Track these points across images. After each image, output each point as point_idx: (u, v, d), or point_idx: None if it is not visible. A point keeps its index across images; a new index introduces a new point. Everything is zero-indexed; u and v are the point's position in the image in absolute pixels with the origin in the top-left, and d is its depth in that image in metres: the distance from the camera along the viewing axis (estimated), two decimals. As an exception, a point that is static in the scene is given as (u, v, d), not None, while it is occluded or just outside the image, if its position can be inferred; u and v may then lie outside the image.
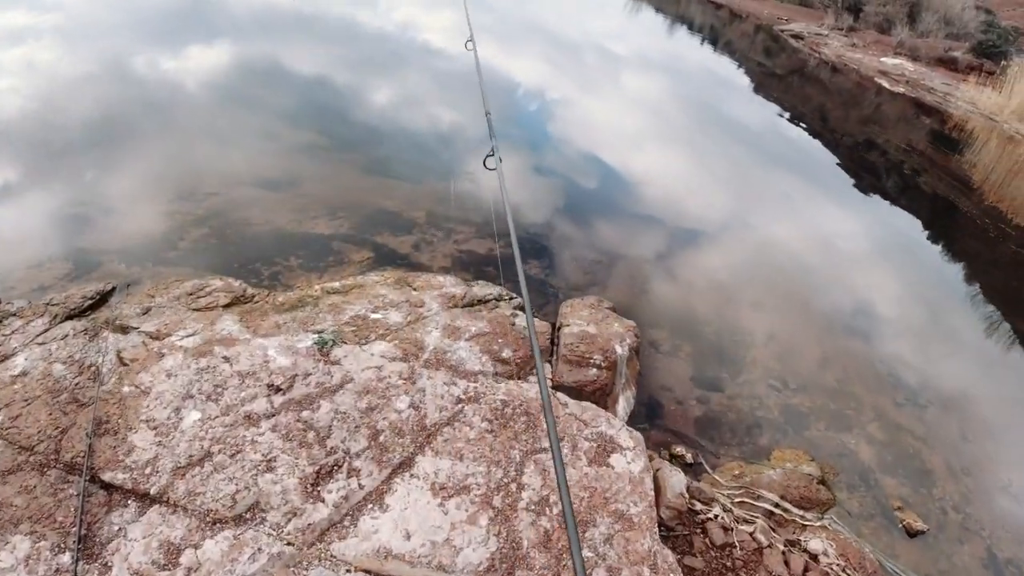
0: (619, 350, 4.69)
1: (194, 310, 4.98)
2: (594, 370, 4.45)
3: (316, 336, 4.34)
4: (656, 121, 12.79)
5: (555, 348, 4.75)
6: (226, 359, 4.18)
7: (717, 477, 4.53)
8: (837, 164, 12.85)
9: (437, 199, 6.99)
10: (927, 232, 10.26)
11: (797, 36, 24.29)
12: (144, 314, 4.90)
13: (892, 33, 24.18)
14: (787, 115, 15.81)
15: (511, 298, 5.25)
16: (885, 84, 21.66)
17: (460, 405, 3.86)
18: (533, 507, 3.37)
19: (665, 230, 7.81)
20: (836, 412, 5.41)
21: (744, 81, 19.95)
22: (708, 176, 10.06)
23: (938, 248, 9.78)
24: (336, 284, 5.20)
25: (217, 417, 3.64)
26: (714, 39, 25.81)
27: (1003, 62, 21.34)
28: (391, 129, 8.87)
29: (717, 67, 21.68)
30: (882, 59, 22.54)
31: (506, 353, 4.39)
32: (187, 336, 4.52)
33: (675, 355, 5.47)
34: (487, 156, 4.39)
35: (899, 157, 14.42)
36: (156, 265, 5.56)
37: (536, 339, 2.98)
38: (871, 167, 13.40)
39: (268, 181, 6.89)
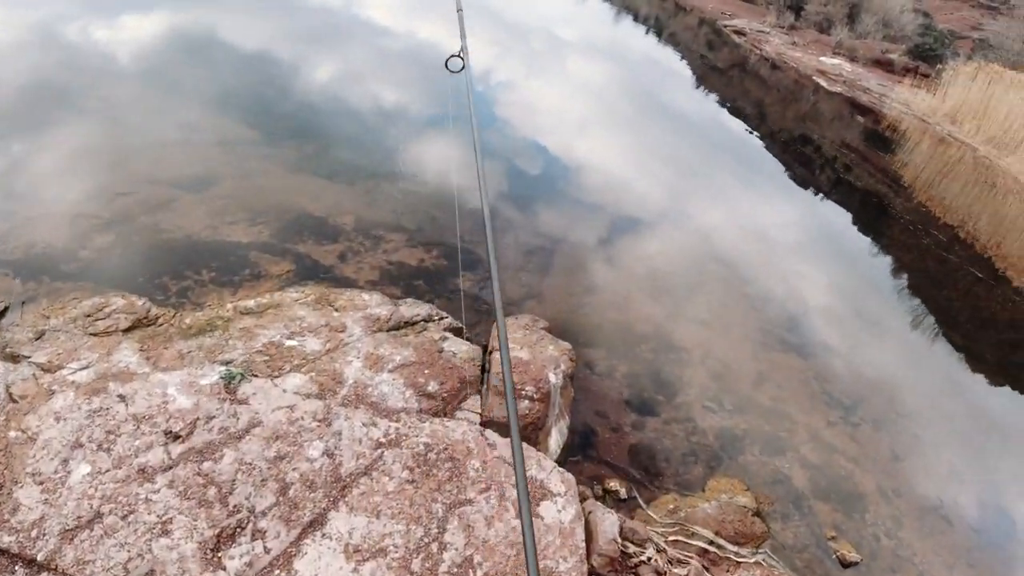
0: (553, 379, 4.41)
1: (91, 335, 4.51)
2: (526, 402, 4.17)
3: (223, 369, 3.94)
4: (597, 110, 12.57)
5: (485, 376, 4.45)
6: (121, 398, 3.75)
7: (651, 513, 4.31)
8: (774, 158, 13.00)
9: (368, 202, 6.58)
10: (859, 229, 10.40)
11: (739, 32, 24.37)
12: (38, 339, 4.42)
13: (832, 33, 24.48)
14: (727, 109, 15.82)
15: (441, 318, 4.92)
16: (823, 83, 21.90)
17: (380, 450, 3.52)
18: (456, 570, 3.07)
19: (604, 231, 7.57)
20: (771, 435, 5.26)
21: (686, 73, 19.91)
22: (647, 169, 9.88)
23: (868, 246, 9.90)
24: (251, 303, 4.78)
25: (108, 471, 3.23)
26: (658, 30, 25.73)
27: (938, 65, 21.80)
28: (325, 117, 8.41)
29: (660, 58, 21.60)
30: (821, 58, 22.78)
31: (432, 387, 4.06)
32: (80, 369, 4.07)
33: (611, 376, 5.23)
34: (450, 57, 3.93)
35: (834, 154, 14.64)
36: (54, 280, 5.04)
37: (509, 370, 2.65)
38: (807, 162, 13.57)
39: (185, 179, 6.38)
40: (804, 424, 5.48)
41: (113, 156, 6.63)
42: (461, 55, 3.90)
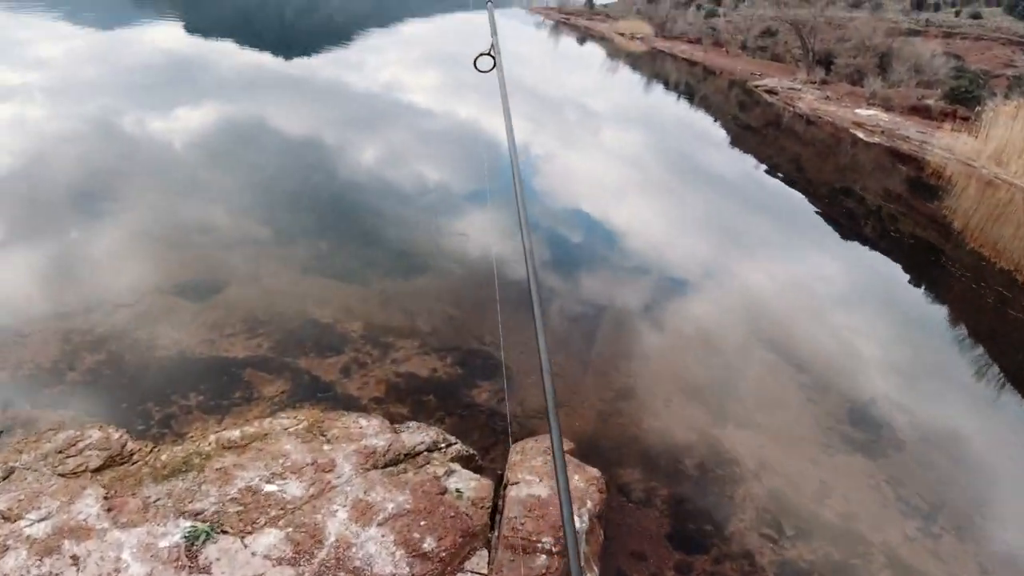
0: (577, 523, 3.60)
1: (59, 475, 3.91)
2: (543, 558, 3.34)
3: (188, 526, 3.27)
4: (632, 176, 12.00)
5: (497, 520, 3.65)
6: (74, 561, 3.11)
7: None
8: (818, 213, 12.13)
9: (381, 302, 5.96)
10: (911, 283, 9.46)
11: (771, 91, 23.72)
12: (5, 479, 3.85)
13: (864, 85, 23.65)
14: (766, 167, 15.01)
15: (448, 444, 4.17)
16: (861, 135, 20.97)
17: (355, 642, 2.77)
18: None
19: (638, 311, 6.78)
20: (842, 564, 4.30)
21: (722, 134, 19.25)
22: (684, 235, 9.17)
23: (923, 302, 8.91)
24: (236, 434, 4.12)
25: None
26: (690, 95, 25.25)
27: (977, 107, 20.71)
28: (342, 209, 7.93)
29: (694, 121, 21.05)
30: (856, 110, 21.92)
31: (428, 543, 3.29)
32: (39, 520, 3.45)
33: (649, 504, 4.38)
34: (479, 56, 3.26)
35: (878, 204, 13.76)
36: (36, 407, 4.50)
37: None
38: (852, 216, 12.71)
39: (190, 286, 5.88)
40: (879, 544, 4.51)
41: (119, 262, 6.19)
42: (492, 53, 3.23)
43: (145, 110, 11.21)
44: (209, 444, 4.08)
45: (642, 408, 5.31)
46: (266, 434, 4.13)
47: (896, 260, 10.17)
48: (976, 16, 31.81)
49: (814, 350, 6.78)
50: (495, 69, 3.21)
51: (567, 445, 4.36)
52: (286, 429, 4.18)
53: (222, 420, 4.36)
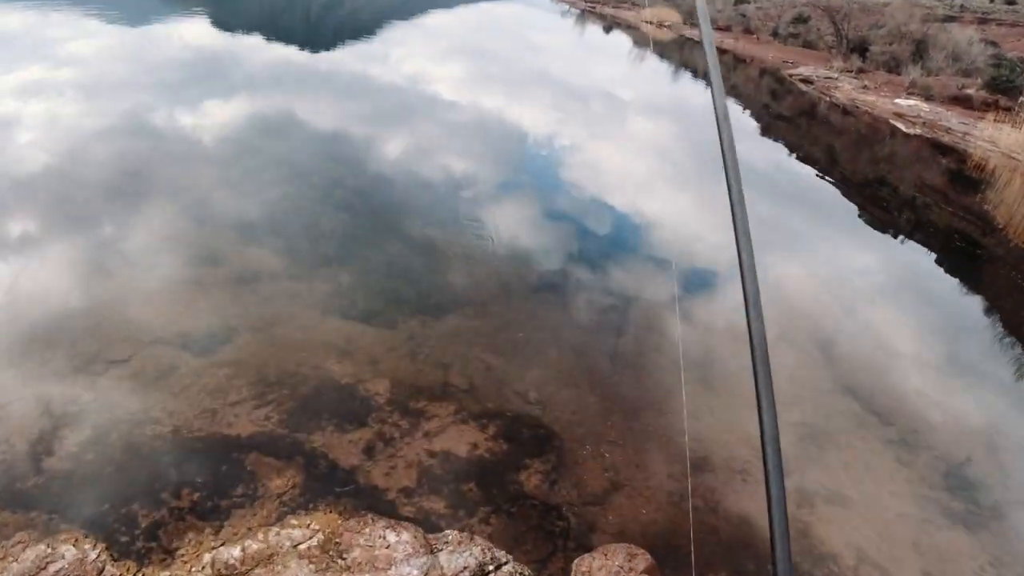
0: None
1: (24, 612, 3.07)
2: None
3: None
4: (664, 168, 10.92)
5: None
6: None
7: None
8: (860, 208, 11.10)
9: (409, 352, 5.00)
10: (967, 289, 8.63)
11: (806, 80, 22.31)
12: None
13: (901, 73, 22.17)
14: (819, 165, 13.79)
15: (497, 566, 3.23)
16: (901, 126, 19.59)
17: None
18: None
19: (699, 351, 5.78)
20: None
21: (758, 126, 17.99)
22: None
23: (985, 318, 7.87)
24: (235, 552, 3.22)
25: None
26: (726, 85, 23.92)
27: (1021, 97, 19.27)
28: (364, 233, 6.98)
29: (731, 113, 19.78)
30: (896, 100, 20.48)
31: None
32: None
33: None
34: None
35: (922, 199, 12.74)
36: (6, 505, 3.64)
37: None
38: (897, 210, 11.87)
39: (193, 335, 4.97)
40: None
41: (117, 306, 5.30)
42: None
43: (167, 107, 10.36)
44: (203, 568, 3.19)
45: (718, 485, 4.34)
46: (272, 554, 3.23)
47: (947, 262, 9.22)
48: (1011, 2, 29.93)
49: (895, 395, 5.74)
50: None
51: (642, 559, 3.39)
52: (296, 545, 3.26)
53: (220, 530, 3.44)
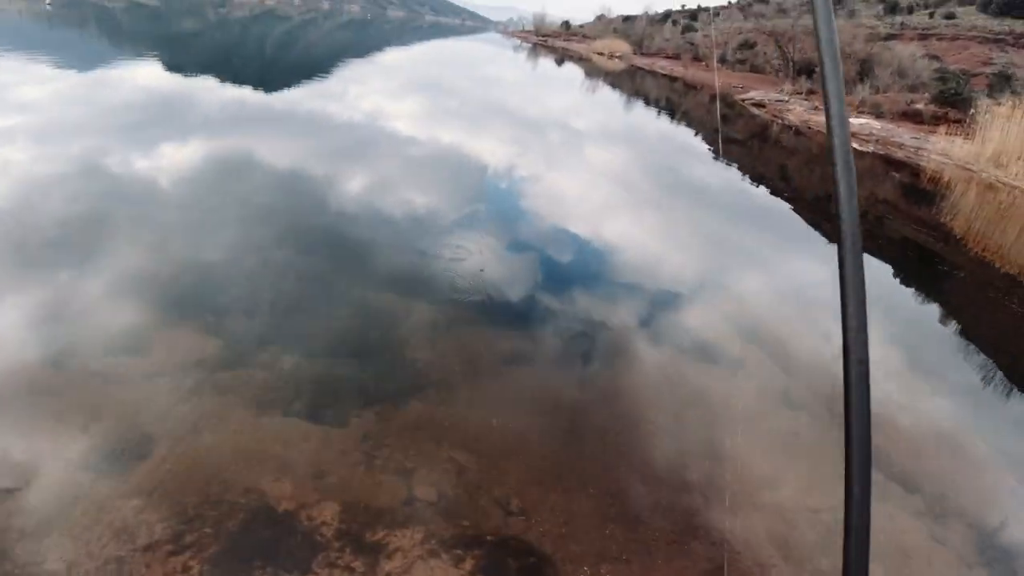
0: None
1: None
2: None
3: None
4: (621, 195, 10.11)
5: None
6: None
7: None
8: (818, 225, 10.63)
9: (364, 459, 3.94)
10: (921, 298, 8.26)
11: (758, 104, 21.98)
12: None
13: (851, 92, 21.98)
14: (785, 190, 13.20)
15: None
16: (855, 145, 19.28)
17: None
18: None
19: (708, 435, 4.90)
20: None
21: (712, 150, 17.48)
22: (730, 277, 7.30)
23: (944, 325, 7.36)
24: None
25: None
26: (675, 111, 23.44)
27: (971, 110, 19.15)
28: (311, 301, 5.95)
29: (678, 136, 19.28)
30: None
31: None
32: None
33: None
34: None
35: (879, 215, 12.40)
36: None
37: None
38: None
39: (101, 451, 3.86)
40: None
41: (15, 409, 4.19)
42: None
43: (106, 154, 9.22)
44: None
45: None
46: None
47: (903, 272, 8.78)
48: (950, 16, 30.27)
49: (917, 457, 4.93)
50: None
51: None
52: None
53: None
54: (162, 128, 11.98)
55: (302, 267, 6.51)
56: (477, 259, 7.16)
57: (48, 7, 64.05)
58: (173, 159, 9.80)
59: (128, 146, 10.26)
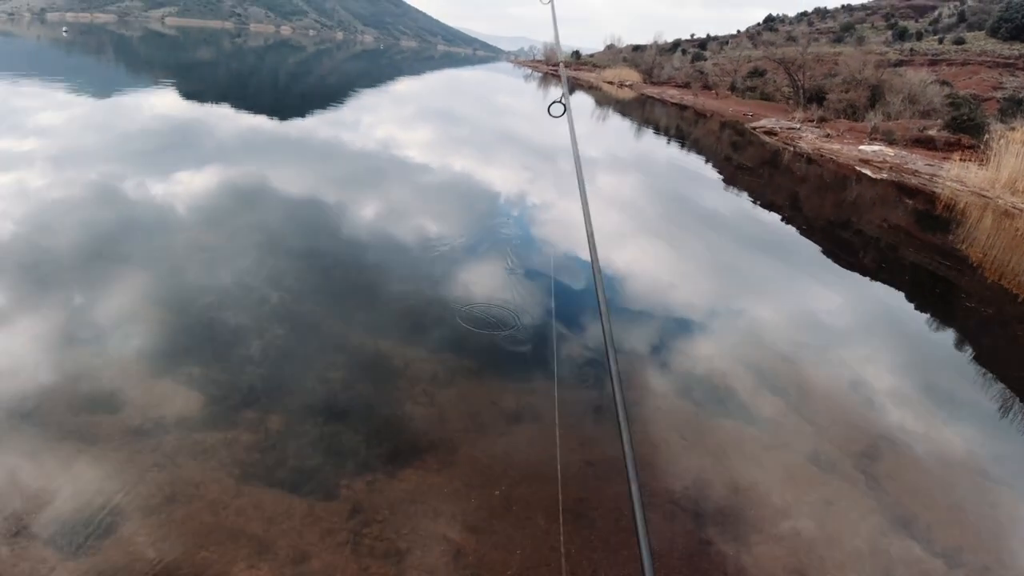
0: None
1: None
2: None
3: None
4: (634, 224, 9.68)
5: None
6: None
7: None
8: (835, 253, 10.33)
9: (350, 535, 3.49)
10: (946, 329, 7.95)
11: (770, 132, 21.57)
12: None
13: (861, 119, 21.52)
14: (795, 216, 12.74)
15: None
16: (868, 172, 18.81)
17: None
18: None
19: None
20: None
21: (730, 180, 17.04)
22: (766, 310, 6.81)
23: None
24: None
25: None
26: (688, 139, 23.06)
27: (985, 135, 18.67)
28: (306, 364, 5.51)
29: (689, 163, 18.87)
30: (860, 147, 19.74)
31: None
32: None
33: None
34: (552, 103, 3.23)
35: (894, 242, 12.11)
36: None
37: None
38: (872, 253, 11.22)
39: (63, 524, 3.44)
40: None
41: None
42: (563, 101, 3.18)
43: (119, 181, 8.93)
44: None
45: None
46: None
47: (922, 303, 8.36)
48: (960, 41, 29.85)
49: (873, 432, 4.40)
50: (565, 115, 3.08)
51: None
52: None
53: None
54: (174, 155, 11.73)
55: (301, 308, 6.09)
56: (483, 292, 6.72)
57: (65, 33, 65.15)
58: (183, 186, 9.50)
59: (137, 172, 9.98)
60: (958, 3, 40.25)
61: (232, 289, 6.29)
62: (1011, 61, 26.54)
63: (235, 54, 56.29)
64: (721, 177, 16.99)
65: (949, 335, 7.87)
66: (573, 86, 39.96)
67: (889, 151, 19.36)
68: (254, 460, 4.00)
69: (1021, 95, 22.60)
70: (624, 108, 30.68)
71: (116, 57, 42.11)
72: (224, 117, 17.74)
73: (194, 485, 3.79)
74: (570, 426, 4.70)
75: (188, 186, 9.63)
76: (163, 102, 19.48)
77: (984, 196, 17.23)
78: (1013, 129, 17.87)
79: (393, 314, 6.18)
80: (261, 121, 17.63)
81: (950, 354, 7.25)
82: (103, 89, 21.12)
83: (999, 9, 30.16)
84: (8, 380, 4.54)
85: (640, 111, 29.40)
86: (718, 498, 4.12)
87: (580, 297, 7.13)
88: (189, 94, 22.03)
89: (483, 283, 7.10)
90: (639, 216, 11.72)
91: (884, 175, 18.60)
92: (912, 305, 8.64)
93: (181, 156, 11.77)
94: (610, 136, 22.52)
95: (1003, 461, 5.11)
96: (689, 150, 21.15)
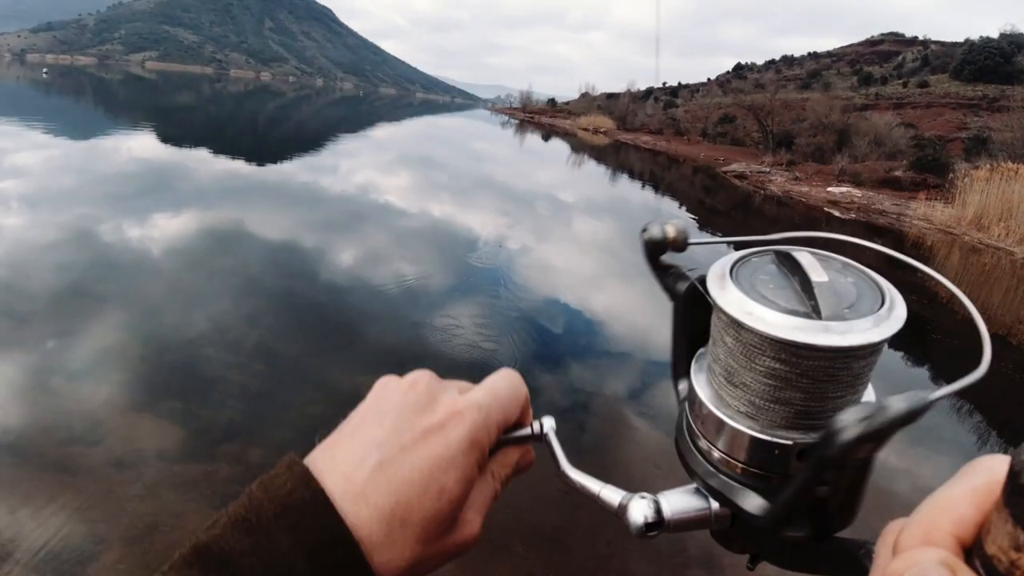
0: None
1: None
2: None
3: None
4: (608, 267, 9.91)
5: None
6: None
7: None
8: None
9: None
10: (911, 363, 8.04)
11: (740, 176, 22.26)
12: None
13: (830, 162, 22.32)
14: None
15: None
16: (836, 212, 19.43)
17: None
18: None
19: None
20: None
21: (701, 219, 17.50)
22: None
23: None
24: None
25: None
26: (660, 183, 23.67)
27: (949, 174, 19.44)
28: (288, 403, 5.61)
29: (663, 206, 19.35)
30: (828, 188, 20.45)
31: None
32: None
33: None
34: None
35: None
36: None
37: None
38: None
39: (47, 552, 3.49)
40: None
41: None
42: None
43: (93, 223, 8.97)
44: None
45: None
46: None
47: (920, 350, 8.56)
48: (924, 84, 31.16)
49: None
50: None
51: None
52: None
53: None
54: (152, 198, 11.83)
55: (280, 347, 6.18)
56: (464, 336, 6.86)
57: (46, 75, 65.43)
58: (160, 230, 9.58)
59: (115, 215, 10.06)
60: (921, 48, 42.04)
61: (211, 328, 6.37)
62: (974, 102, 27.74)
63: (215, 99, 56.83)
64: (695, 220, 17.44)
65: (922, 369, 8.11)
66: (549, 133, 40.85)
67: (857, 192, 20.04)
68: (235, 492, 3.95)
69: (985, 135, 23.56)
70: (599, 154, 31.40)
71: (95, 99, 42.35)
72: (203, 161, 17.93)
73: (173, 516, 3.83)
74: (546, 455, 4.79)
75: (166, 229, 9.73)
76: (141, 145, 19.64)
77: (951, 233, 17.80)
78: (977, 168, 18.63)
79: (370, 352, 6.29)
80: (239, 165, 17.85)
81: (917, 380, 7.50)
82: (82, 131, 21.28)
83: (961, 52, 31.62)
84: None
85: (615, 157, 30.13)
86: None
87: (558, 337, 7.29)
88: (168, 138, 22.23)
89: (460, 323, 7.24)
90: (616, 259, 11.99)
91: (852, 215, 19.20)
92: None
93: (159, 199, 11.88)
94: (586, 181, 23.05)
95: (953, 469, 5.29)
96: (663, 194, 21.71)
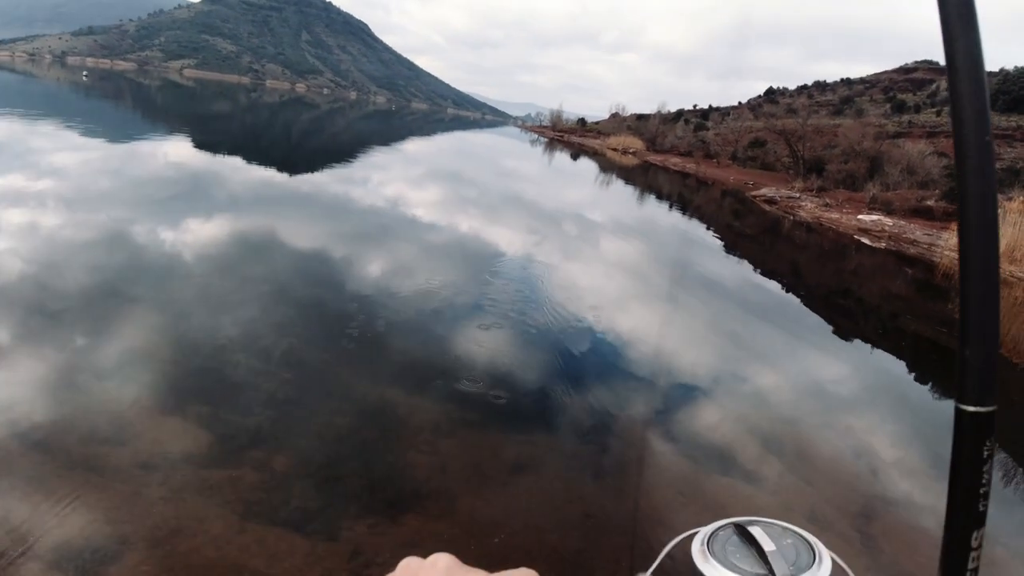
0: None
1: None
2: None
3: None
4: (640, 290, 9.82)
5: None
6: None
7: None
8: (835, 321, 10.48)
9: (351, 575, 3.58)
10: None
11: (770, 200, 22.04)
12: None
13: (860, 189, 22.02)
14: (799, 286, 12.91)
15: None
16: (867, 241, 19.14)
17: None
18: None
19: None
20: None
21: (732, 246, 17.32)
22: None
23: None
24: None
25: None
26: (690, 207, 23.54)
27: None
28: (314, 407, 5.63)
29: (691, 229, 19.21)
30: (859, 216, 20.16)
31: None
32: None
33: None
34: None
35: (895, 311, 12.35)
36: None
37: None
38: (873, 321, 11.25)
39: (71, 549, 3.49)
40: None
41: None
42: None
43: (132, 224, 9.14)
44: None
45: None
46: None
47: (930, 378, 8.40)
48: (956, 117, 30.68)
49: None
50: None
51: None
52: None
53: None
54: (183, 204, 12.03)
55: (309, 356, 6.21)
56: (487, 351, 6.85)
57: (85, 78, 67.07)
58: (190, 235, 9.73)
59: (148, 218, 10.23)
60: (955, 78, 41.38)
61: (241, 334, 6.43)
62: (1008, 132, 27.26)
63: (251, 108, 57.87)
64: (723, 244, 17.30)
65: (948, 402, 7.92)
66: (578, 152, 40.90)
67: (888, 221, 19.74)
68: (259, 499, 4.07)
69: (1019, 166, 23.12)
70: (628, 175, 31.38)
71: (133, 104, 43.35)
72: (237, 169, 18.23)
73: (197, 520, 3.85)
74: (570, 479, 4.76)
75: (199, 234, 9.88)
76: (178, 150, 20.03)
77: (982, 267, 17.49)
78: (1011, 199, 18.26)
79: (398, 366, 6.30)
80: (273, 174, 18.11)
81: (947, 418, 7.31)
82: (119, 135, 21.76)
83: (996, 82, 31.17)
84: (21, 409, 4.64)
85: (644, 178, 30.07)
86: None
87: (583, 358, 7.23)
88: (204, 144, 22.65)
89: (489, 339, 7.23)
90: (644, 281, 11.93)
91: (883, 244, 18.91)
92: (913, 374, 8.74)
93: (194, 204, 12.09)
94: (613, 202, 23.01)
95: (1005, 532, 5.13)
96: (691, 216, 21.59)
